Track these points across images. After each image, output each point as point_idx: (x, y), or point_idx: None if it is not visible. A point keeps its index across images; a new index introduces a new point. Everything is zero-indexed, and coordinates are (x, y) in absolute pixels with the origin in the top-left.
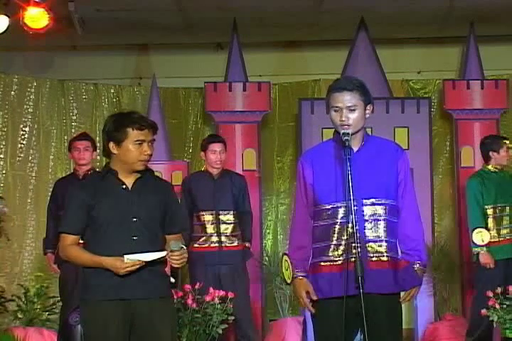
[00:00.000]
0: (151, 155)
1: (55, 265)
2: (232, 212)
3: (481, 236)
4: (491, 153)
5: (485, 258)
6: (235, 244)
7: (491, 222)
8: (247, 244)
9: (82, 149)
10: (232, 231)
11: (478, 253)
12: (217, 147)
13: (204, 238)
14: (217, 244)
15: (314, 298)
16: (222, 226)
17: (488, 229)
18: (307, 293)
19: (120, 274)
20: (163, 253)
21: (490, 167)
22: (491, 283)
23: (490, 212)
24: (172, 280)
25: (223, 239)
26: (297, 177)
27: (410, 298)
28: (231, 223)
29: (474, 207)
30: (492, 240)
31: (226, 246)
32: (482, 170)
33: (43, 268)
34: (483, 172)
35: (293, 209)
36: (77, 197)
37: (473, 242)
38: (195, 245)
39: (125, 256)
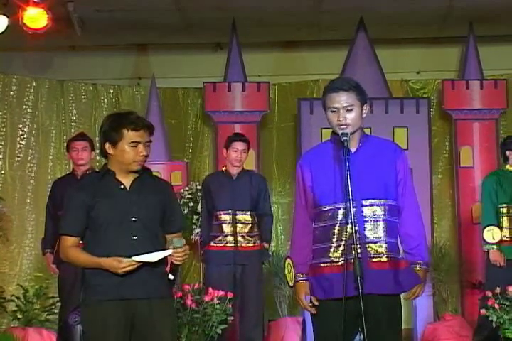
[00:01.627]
0: (147, 156)
1: (54, 265)
2: (249, 212)
3: (491, 234)
4: (507, 152)
5: (495, 256)
6: (251, 244)
7: (504, 220)
8: (265, 245)
9: (80, 149)
10: (249, 232)
11: (488, 251)
12: (239, 146)
13: (221, 237)
14: (232, 244)
15: (316, 303)
16: (239, 226)
17: (501, 228)
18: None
19: (119, 274)
20: (168, 252)
21: (509, 167)
22: (501, 283)
23: (504, 210)
24: (171, 277)
25: (239, 238)
26: (296, 180)
27: (414, 297)
28: (248, 223)
29: (487, 205)
30: (504, 239)
31: (242, 246)
32: (500, 170)
33: (42, 268)
34: (500, 172)
35: (293, 212)
36: (77, 198)
37: (484, 240)
38: (212, 244)
39: (133, 257)
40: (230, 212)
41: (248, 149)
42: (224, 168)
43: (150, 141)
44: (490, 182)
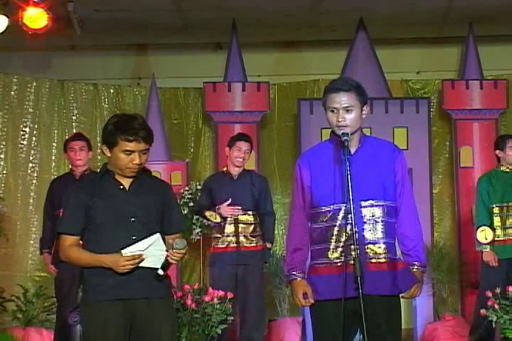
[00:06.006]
0: (141, 164)
1: (52, 265)
2: (251, 213)
3: (484, 234)
4: (497, 152)
5: (488, 256)
6: (254, 244)
7: (497, 220)
8: (268, 245)
9: (78, 149)
10: (251, 232)
11: (482, 252)
12: (243, 145)
13: (222, 238)
14: (235, 244)
15: (312, 301)
16: (241, 227)
17: (493, 228)
18: (305, 294)
19: (120, 272)
20: (155, 236)
21: (502, 167)
22: (494, 282)
23: (496, 210)
24: (160, 272)
25: (241, 239)
26: (294, 180)
27: (412, 296)
28: (250, 223)
29: (480, 206)
30: (497, 239)
31: (244, 246)
32: (493, 170)
33: (45, 268)
34: (493, 172)
35: (290, 212)
36: (76, 198)
37: (477, 240)
38: (215, 245)
39: (122, 251)
40: None
41: (251, 150)
42: (225, 169)
43: (147, 149)
44: (482, 183)
